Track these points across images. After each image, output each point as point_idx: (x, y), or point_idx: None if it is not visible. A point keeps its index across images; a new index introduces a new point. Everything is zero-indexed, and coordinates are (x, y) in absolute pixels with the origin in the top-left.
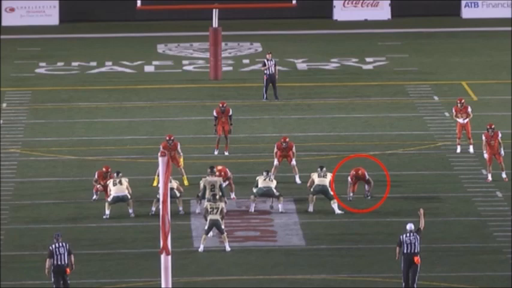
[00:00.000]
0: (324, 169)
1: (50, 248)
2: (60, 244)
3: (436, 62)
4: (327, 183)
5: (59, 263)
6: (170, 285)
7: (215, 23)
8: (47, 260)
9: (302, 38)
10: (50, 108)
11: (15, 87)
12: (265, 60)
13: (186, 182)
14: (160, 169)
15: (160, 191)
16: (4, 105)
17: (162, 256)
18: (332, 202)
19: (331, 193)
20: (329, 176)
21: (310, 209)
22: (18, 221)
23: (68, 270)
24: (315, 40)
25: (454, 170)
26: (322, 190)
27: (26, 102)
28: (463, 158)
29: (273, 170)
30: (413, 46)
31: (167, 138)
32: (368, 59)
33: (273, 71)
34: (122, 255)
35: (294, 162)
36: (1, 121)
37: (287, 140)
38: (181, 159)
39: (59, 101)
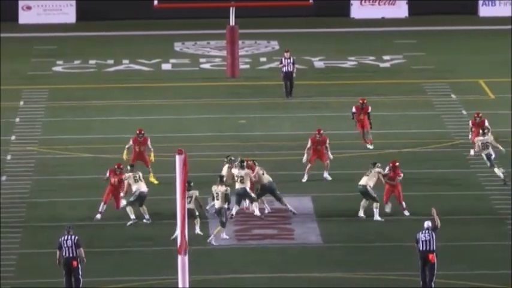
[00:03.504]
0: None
1: (59, 239)
2: (68, 237)
3: (453, 60)
4: (364, 183)
5: (66, 255)
6: (187, 284)
7: (232, 21)
8: (57, 251)
9: (319, 36)
10: (66, 106)
11: (32, 85)
12: (283, 58)
13: (153, 180)
14: (177, 167)
15: (177, 190)
16: (21, 103)
17: (179, 254)
18: (374, 206)
19: (373, 195)
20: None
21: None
22: (36, 219)
23: (74, 262)
24: (332, 38)
25: (471, 168)
26: (361, 191)
27: (43, 100)
28: (481, 156)
29: (306, 169)
30: (430, 44)
31: (137, 132)
32: (385, 57)
33: (291, 69)
34: (138, 253)
35: (328, 162)
36: (18, 119)
37: (321, 132)
38: (152, 154)
39: (76, 99)
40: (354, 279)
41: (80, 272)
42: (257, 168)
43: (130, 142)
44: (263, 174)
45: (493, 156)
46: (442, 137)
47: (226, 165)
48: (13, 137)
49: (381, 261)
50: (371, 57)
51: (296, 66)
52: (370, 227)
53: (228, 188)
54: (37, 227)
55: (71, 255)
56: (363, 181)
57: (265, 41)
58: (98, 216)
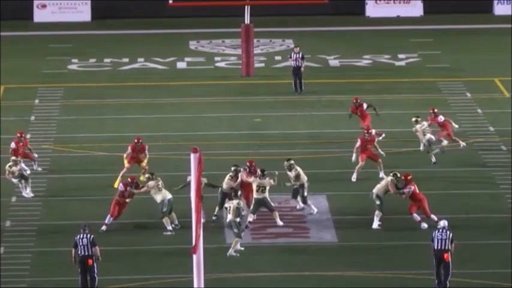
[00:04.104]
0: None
1: (75, 238)
2: (84, 235)
3: (469, 58)
4: (374, 191)
5: (81, 253)
6: (202, 283)
7: (247, 19)
8: (72, 249)
9: (334, 35)
10: (82, 105)
11: (47, 83)
12: (292, 53)
13: (143, 178)
14: (192, 166)
15: (192, 189)
16: (36, 101)
17: (194, 253)
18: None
19: (377, 203)
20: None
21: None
22: (51, 217)
23: (89, 261)
24: (347, 37)
25: (486, 167)
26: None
27: (58, 98)
28: (496, 154)
29: (357, 168)
30: (445, 43)
31: (135, 140)
32: (400, 56)
33: (299, 65)
34: (154, 251)
35: (380, 160)
36: (33, 117)
37: (370, 131)
38: (146, 160)
39: (91, 97)
40: (369, 278)
41: (95, 271)
42: (298, 168)
43: (129, 150)
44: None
45: (433, 139)
46: (457, 135)
47: (228, 175)
48: (28, 135)
49: (397, 260)
50: (386, 56)
51: (305, 62)
52: (385, 225)
53: (240, 202)
54: (52, 225)
55: (86, 253)
56: (375, 189)
57: (280, 40)
58: (104, 227)
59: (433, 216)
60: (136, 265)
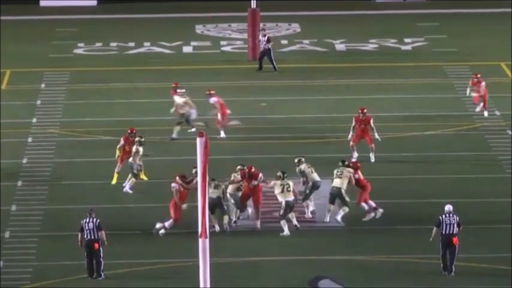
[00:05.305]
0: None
1: (81, 222)
2: (90, 219)
3: (475, 43)
4: (339, 185)
5: (87, 237)
6: (208, 267)
7: (253, 3)
8: (79, 233)
9: (340, 19)
10: (88, 89)
11: (53, 67)
12: (260, 36)
13: (144, 177)
14: (198, 151)
15: (199, 174)
16: (43, 85)
17: (200, 238)
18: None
19: (346, 199)
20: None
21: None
22: (57, 202)
23: (95, 245)
24: (353, 21)
25: (492, 151)
26: (334, 193)
27: (65, 83)
28: (502, 138)
29: (351, 147)
30: (452, 27)
31: (129, 131)
32: (407, 40)
33: (265, 47)
34: (159, 235)
35: (373, 145)
36: (40, 102)
37: (365, 111)
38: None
39: (97, 81)
40: (375, 262)
41: (101, 254)
42: (304, 166)
43: (122, 141)
44: (312, 172)
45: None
46: (463, 119)
47: (233, 175)
48: (34, 120)
49: (403, 244)
50: (392, 40)
51: (269, 45)
52: (391, 209)
53: (227, 184)
54: (58, 210)
55: (92, 237)
56: (337, 183)
57: (287, 24)
58: (162, 231)
59: (363, 205)
60: (144, 249)
